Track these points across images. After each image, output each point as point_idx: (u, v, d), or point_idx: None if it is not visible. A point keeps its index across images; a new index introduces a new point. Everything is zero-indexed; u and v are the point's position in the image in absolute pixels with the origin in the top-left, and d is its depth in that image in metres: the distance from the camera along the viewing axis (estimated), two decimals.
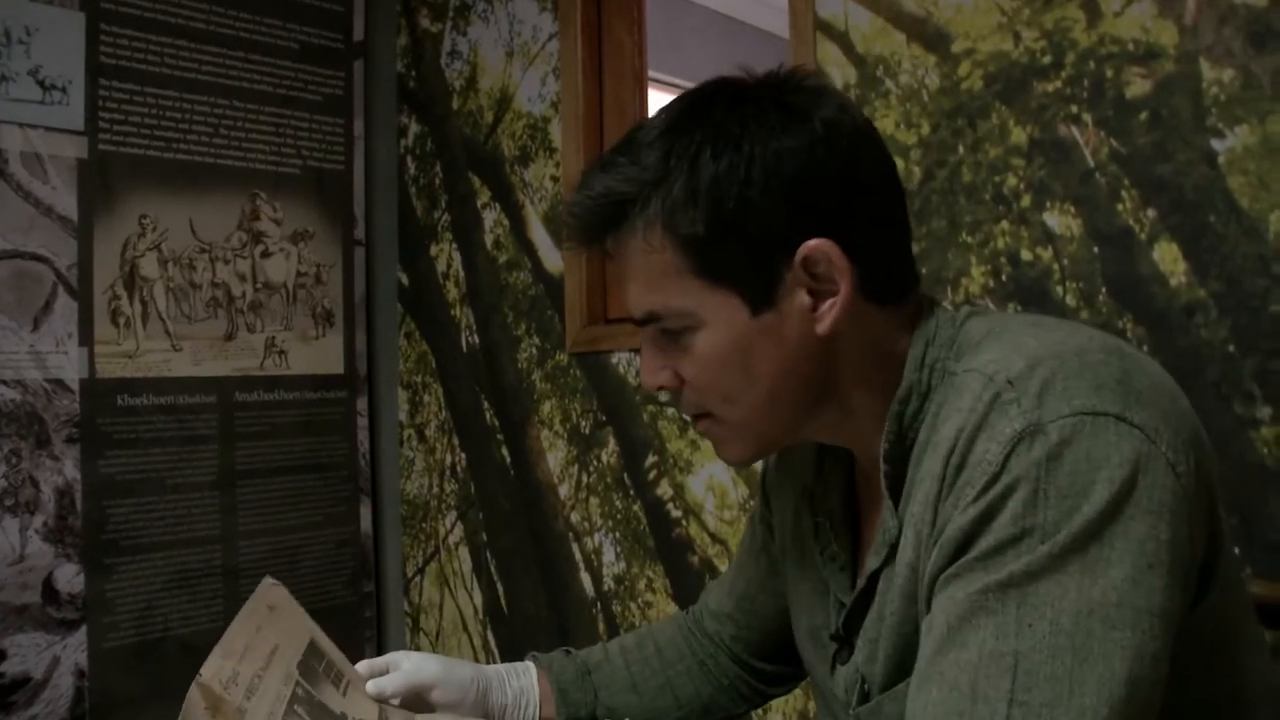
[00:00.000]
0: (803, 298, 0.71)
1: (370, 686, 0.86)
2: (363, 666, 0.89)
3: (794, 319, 0.71)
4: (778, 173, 0.68)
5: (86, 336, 1.79)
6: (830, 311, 0.70)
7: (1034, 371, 0.62)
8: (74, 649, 1.75)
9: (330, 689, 0.82)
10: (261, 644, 0.78)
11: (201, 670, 0.70)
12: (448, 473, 2.12)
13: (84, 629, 1.76)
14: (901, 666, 0.70)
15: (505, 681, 0.95)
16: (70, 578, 1.75)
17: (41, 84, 1.74)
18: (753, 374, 0.72)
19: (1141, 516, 0.58)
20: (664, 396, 1.66)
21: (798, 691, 1.13)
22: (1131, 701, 0.56)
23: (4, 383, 1.70)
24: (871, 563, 0.74)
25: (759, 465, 1.50)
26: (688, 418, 0.79)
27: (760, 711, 1.52)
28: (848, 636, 0.78)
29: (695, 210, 0.69)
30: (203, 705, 0.67)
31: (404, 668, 0.89)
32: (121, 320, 1.83)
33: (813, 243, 0.69)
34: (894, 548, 0.71)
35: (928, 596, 0.64)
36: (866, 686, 0.74)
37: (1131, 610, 0.57)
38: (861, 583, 0.75)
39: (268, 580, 0.86)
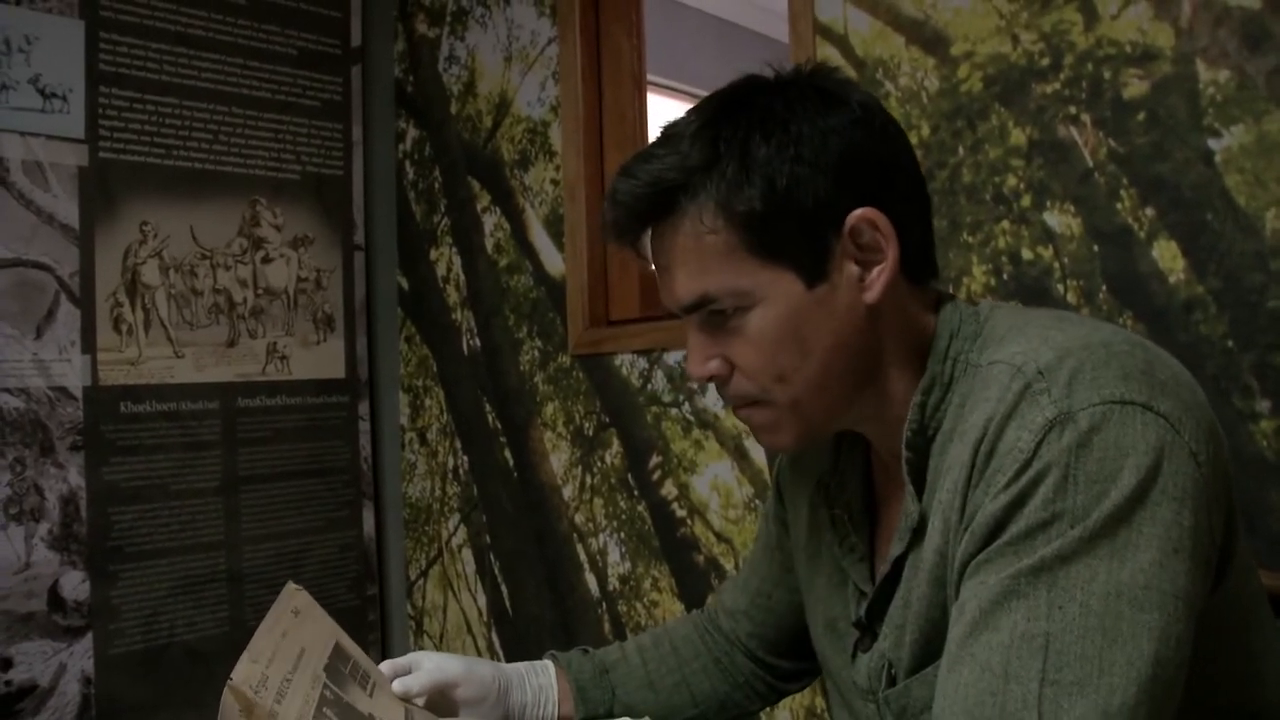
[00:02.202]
0: (851, 268, 0.73)
1: (396, 685, 0.87)
2: (385, 667, 0.90)
3: (845, 290, 0.73)
4: (825, 149, 0.71)
5: (89, 344, 1.79)
6: (880, 278, 0.73)
7: (1063, 362, 0.65)
8: (80, 656, 1.75)
9: (357, 690, 0.83)
10: (288, 648, 0.78)
11: (232, 674, 0.71)
12: (450, 476, 2.12)
13: (90, 636, 1.76)
14: (928, 650, 0.72)
15: (525, 680, 0.97)
16: (75, 585, 1.75)
17: (42, 92, 1.74)
18: (806, 349, 0.73)
19: (1167, 503, 0.61)
20: (667, 397, 1.68)
21: (807, 688, 1.14)
22: (1158, 680, 0.58)
23: (8, 391, 1.70)
24: (895, 549, 0.76)
25: (768, 463, 1.52)
26: (730, 407, 0.80)
27: (767, 709, 1.53)
28: (870, 624, 0.80)
29: (750, 188, 0.71)
30: (237, 709, 0.68)
31: (426, 667, 0.91)
32: (124, 327, 1.83)
33: (859, 212, 0.72)
34: (915, 533, 0.73)
35: (957, 581, 0.66)
36: (893, 671, 0.76)
37: (1158, 593, 0.59)
38: (886, 569, 0.77)
39: (290, 585, 0.87)
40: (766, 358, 0.74)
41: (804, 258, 0.72)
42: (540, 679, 0.98)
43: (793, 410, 0.76)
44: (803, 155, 0.71)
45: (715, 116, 0.74)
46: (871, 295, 0.73)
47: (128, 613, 1.81)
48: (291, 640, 0.79)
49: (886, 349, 0.76)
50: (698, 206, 0.72)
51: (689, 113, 0.77)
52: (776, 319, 0.73)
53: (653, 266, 0.80)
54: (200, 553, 1.91)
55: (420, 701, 0.89)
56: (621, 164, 0.77)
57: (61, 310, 1.76)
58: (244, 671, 0.71)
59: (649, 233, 0.77)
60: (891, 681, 0.76)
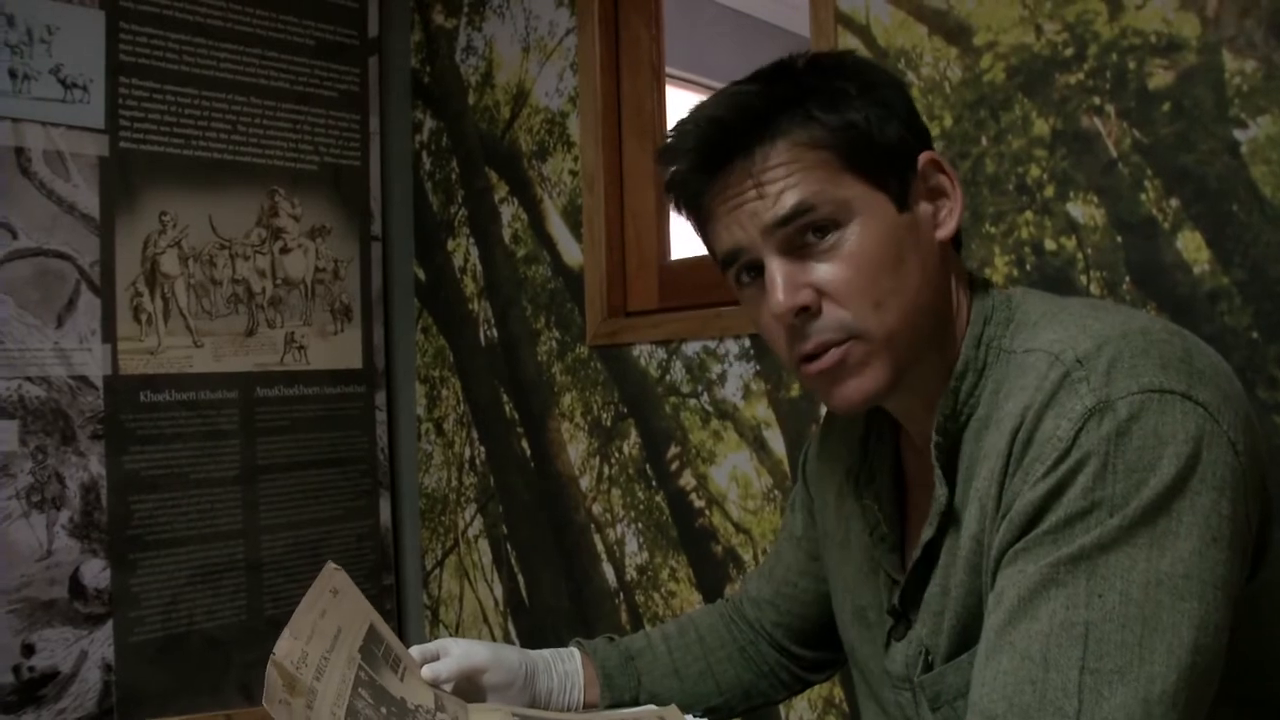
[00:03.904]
0: (924, 205, 0.76)
1: (425, 672, 0.88)
2: (414, 652, 0.91)
3: (922, 225, 0.76)
4: (897, 99, 0.77)
5: (109, 333, 1.80)
6: (950, 217, 0.76)
7: (1101, 350, 0.64)
8: (101, 643, 1.76)
9: (389, 673, 0.83)
10: (326, 627, 0.79)
11: (275, 649, 0.71)
12: (466, 466, 2.13)
13: (110, 623, 1.77)
14: (965, 637, 0.72)
15: (551, 666, 0.97)
16: (96, 573, 1.77)
17: (63, 82, 1.75)
18: (903, 273, 0.73)
19: (1206, 492, 0.61)
20: (685, 388, 1.68)
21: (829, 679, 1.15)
22: (1197, 669, 0.59)
23: (29, 380, 1.71)
24: (925, 534, 0.76)
25: (787, 456, 1.52)
26: (814, 351, 0.74)
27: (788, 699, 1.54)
28: (904, 612, 0.80)
29: (851, 112, 0.73)
30: (280, 684, 0.69)
31: (454, 653, 0.91)
32: (143, 317, 1.84)
33: (927, 154, 0.76)
34: (945, 516, 0.74)
35: (994, 570, 0.66)
36: (930, 658, 0.76)
37: (1198, 582, 0.59)
38: (916, 554, 0.77)
39: (330, 565, 0.87)
40: (866, 279, 0.72)
41: (893, 185, 0.74)
42: (566, 665, 0.98)
43: (887, 346, 0.73)
44: (883, 99, 0.75)
45: (786, 65, 0.77)
46: (945, 231, 0.76)
47: (147, 601, 1.82)
48: (329, 620, 0.80)
49: (953, 299, 0.77)
50: (798, 126, 0.73)
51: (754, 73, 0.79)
52: (874, 236, 0.73)
53: (686, 218, 0.81)
54: (219, 541, 1.92)
55: (448, 687, 0.89)
56: (702, 102, 0.78)
57: (82, 299, 1.77)
58: (285, 647, 0.72)
59: (736, 157, 0.75)
60: (928, 667, 0.76)
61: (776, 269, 0.73)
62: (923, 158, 0.75)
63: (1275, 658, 0.70)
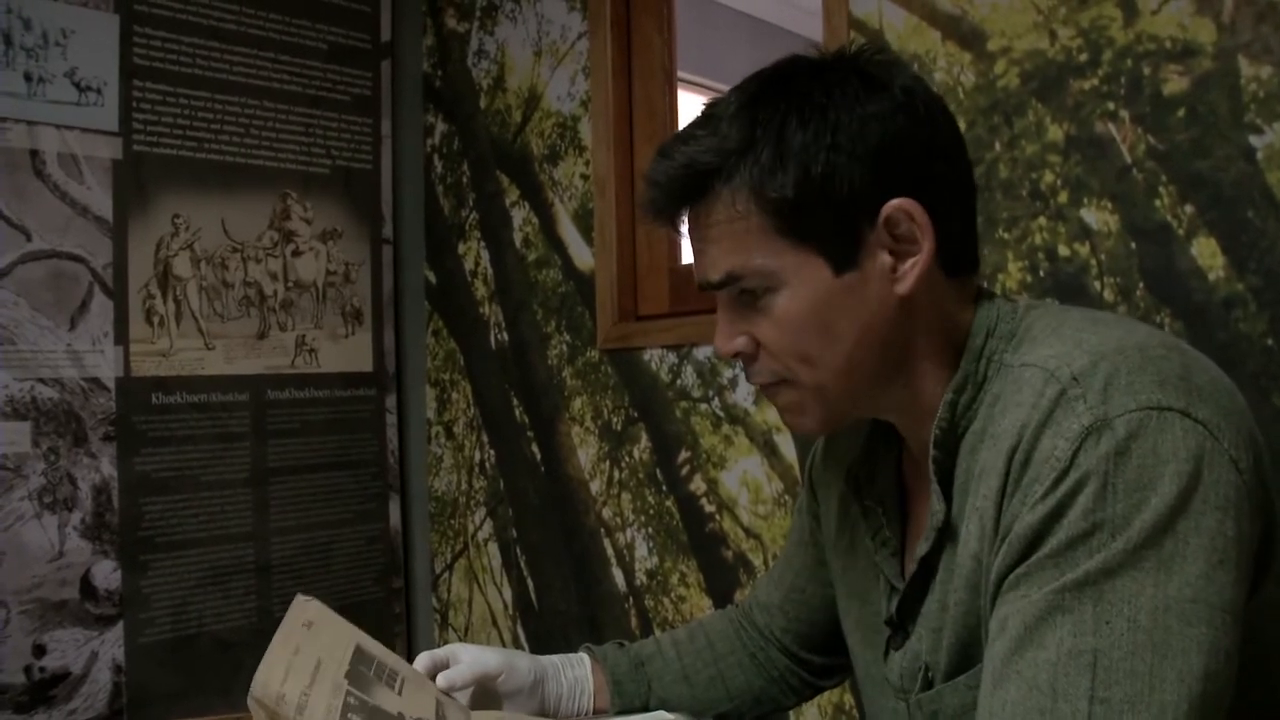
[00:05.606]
0: (884, 258, 0.72)
1: (440, 679, 0.88)
2: (424, 659, 0.91)
3: (875, 280, 0.72)
4: (863, 137, 0.70)
5: (122, 335, 1.81)
6: (912, 271, 0.72)
7: (1098, 367, 0.63)
8: (111, 644, 1.77)
9: (384, 690, 0.82)
10: (303, 663, 0.78)
11: (252, 687, 0.71)
12: (476, 469, 2.13)
13: (121, 625, 1.78)
14: (964, 656, 0.71)
15: (560, 672, 0.97)
16: (107, 574, 1.77)
17: (77, 85, 1.76)
18: (832, 335, 0.73)
19: (1210, 512, 0.59)
20: (696, 392, 1.68)
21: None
22: (1208, 696, 0.58)
23: (42, 381, 1.72)
24: (921, 548, 0.75)
25: (798, 459, 1.51)
26: (757, 386, 0.80)
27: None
28: (901, 622, 0.79)
29: (783, 175, 0.70)
30: (264, 715, 0.69)
31: (465, 659, 0.91)
32: (156, 319, 1.85)
33: (895, 202, 0.71)
34: (940, 532, 0.73)
35: (993, 593, 0.65)
36: (930, 675, 0.75)
37: (1206, 606, 0.58)
38: (913, 568, 0.76)
39: (300, 597, 0.86)
40: (790, 340, 0.74)
41: (834, 245, 0.72)
42: (576, 671, 0.98)
43: (817, 394, 0.76)
44: (840, 143, 0.70)
45: (754, 99, 0.73)
46: (903, 287, 0.72)
47: (158, 602, 1.82)
48: (305, 655, 0.78)
49: (918, 342, 0.75)
50: (731, 191, 0.72)
51: (730, 92, 0.76)
52: (802, 303, 0.73)
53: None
54: (229, 544, 1.92)
55: (465, 694, 0.89)
56: (661, 144, 0.77)
57: (95, 302, 1.78)
58: (260, 686, 0.71)
59: (684, 211, 0.77)
60: (928, 684, 0.75)
61: (720, 314, 0.78)
62: (889, 206, 0.71)
63: (1273, 681, 0.69)
